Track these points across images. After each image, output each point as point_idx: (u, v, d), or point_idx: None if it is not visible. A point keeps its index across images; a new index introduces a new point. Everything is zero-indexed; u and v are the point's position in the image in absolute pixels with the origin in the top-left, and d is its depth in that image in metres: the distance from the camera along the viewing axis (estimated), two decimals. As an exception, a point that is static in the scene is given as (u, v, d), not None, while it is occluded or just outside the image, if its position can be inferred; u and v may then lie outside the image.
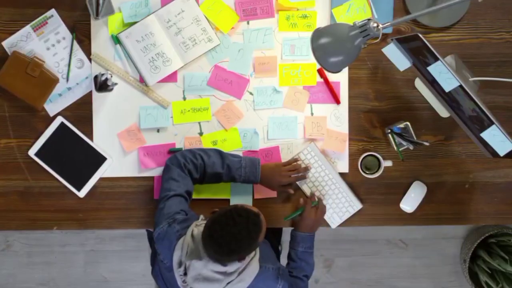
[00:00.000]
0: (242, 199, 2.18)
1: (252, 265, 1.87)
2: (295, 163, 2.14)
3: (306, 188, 2.20)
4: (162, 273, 1.95)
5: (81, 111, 2.19)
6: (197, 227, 1.89)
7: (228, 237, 1.73)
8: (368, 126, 2.21)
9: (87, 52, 2.18)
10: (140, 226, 2.21)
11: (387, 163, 2.17)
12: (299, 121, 2.20)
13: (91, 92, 2.19)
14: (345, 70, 2.18)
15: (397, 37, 1.87)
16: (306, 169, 2.15)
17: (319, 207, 2.13)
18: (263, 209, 2.18)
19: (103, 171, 2.20)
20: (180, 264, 1.86)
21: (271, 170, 2.10)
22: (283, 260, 2.25)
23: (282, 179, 2.10)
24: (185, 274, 1.84)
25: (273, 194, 2.20)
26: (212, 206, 2.18)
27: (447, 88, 1.88)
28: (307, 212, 2.11)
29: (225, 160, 2.06)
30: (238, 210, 1.76)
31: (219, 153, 2.07)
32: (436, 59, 1.85)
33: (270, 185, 2.11)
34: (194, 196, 2.17)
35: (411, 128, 2.14)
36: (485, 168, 2.22)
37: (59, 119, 2.18)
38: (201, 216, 1.98)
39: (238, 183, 2.17)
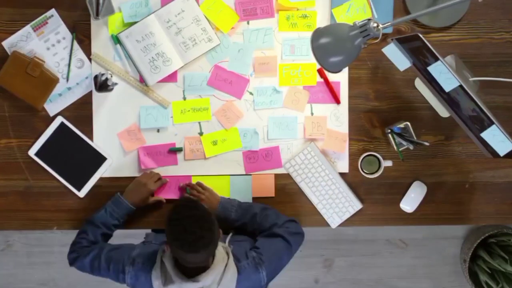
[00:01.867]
0: (242, 197, 2.18)
1: (229, 271, 1.86)
2: (151, 172, 2.17)
3: (306, 188, 2.20)
4: None
5: (81, 111, 2.19)
6: (164, 253, 1.89)
7: (188, 220, 1.73)
8: (368, 126, 2.21)
9: (87, 52, 2.18)
10: (140, 226, 2.21)
11: (387, 163, 2.17)
12: (299, 121, 2.20)
13: (91, 92, 2.19)
14: (345, 70, 2.18)
15: (397, 37, 1.87)
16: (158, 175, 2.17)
17: (201, 194, 2.13)
18: (263, 209, 2.19)
19: (103, 171, 2.20)
20: None
21: (135, 188, 2.13)
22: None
23: (150, 187, 2.12)
24: None
25: (271, 193, 2.20)
26: (212, 206, 2.19)
27: (447, 88, 1.88)
28: (196, 196, 2.12)
29: (95, 222, 2.08)
30: (183, 201, 1.80)
31: (88, 221, 2.09)
32: (436, 59, 1.85)
33: (143, 200, 2.12)
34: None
35: (411, 128, 2.14)
36: (485, 168, 2.22)
37: (59, 119, 2.18)
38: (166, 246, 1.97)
39: (237, 182, 2.17)
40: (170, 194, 2.19)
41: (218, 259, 1.84)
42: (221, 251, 1.88)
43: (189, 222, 1.73)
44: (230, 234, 2.02)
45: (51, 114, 2.19)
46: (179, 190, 2.19)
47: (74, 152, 2.18)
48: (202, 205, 1.79)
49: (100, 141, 2.20)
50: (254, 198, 2.20)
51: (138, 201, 2.12)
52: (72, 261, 2.07)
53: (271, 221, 2.06)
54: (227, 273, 1.85)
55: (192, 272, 1.82)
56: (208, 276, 1.81)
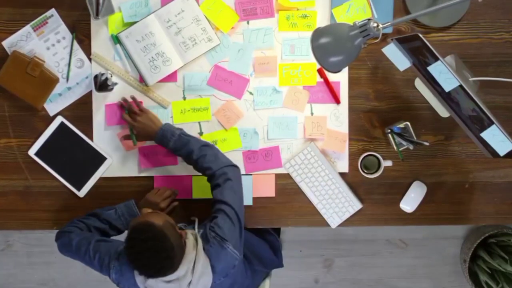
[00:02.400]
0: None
1: (201, 257, 1.85)
2: (161, 188, 2.16)
3: (306, 188, 2.20)
4: None
5: (81, 111, 2.19)
6: None
7: (146, 254, 1.74)
8: (368, 126, 2.21)
9: (87, 51, 2.18)
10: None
11: (387, 163, 2.17)
12: (299, 121, 2.20)
13: (91, 92, 2.19)
14: (345, 70, 2.18)
15: (397, 37, 1.87)
16: (172, 190, 2.16)
17: (137, 106, 2.12)
18: (262, 208, 2.19)
19: (103, 171, 2.20)
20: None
21: (147, 204, 2.11)
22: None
23: (161, 205, 2.10)
24: None
25: (272, 193, 2.20)
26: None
27: (447, 88, 1.88)
28: (131, 119, 2.10)
29: (102, 216, 2.08)
30: (134, 233, 1.77)
31: (94, 213, 2.10)
32: (436, 59, 1.85)
33: None
34: (195, 196, 2.18)
35: (411, 128, 2.14)
36: (485, 168, 2.22)
37: (59, 119, 2.18)
38: None
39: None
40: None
41: (189, 248, 1.84)
42: (191, 239, 1.87)
43: (146, 256, 1.74)
44: (196, 221, 2.01)
45: (51, 114, 2.19)
46: (119, 109, 2.16)
47: (74, 152, 2.18)
48: (156, 229, 1.76)
49: (100, 141, 2.20)
50: (254, 198, 2.20)
51: None
52: (59, 235, 2.05)
53: (206, 163, 2.01)
54: (199, 261, 1.84)
55: None
56: (180, 268, 1.81)
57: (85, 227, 2.06)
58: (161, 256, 1.75)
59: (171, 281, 1.82)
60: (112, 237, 2.08)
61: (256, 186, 2.19)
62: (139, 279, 1.87)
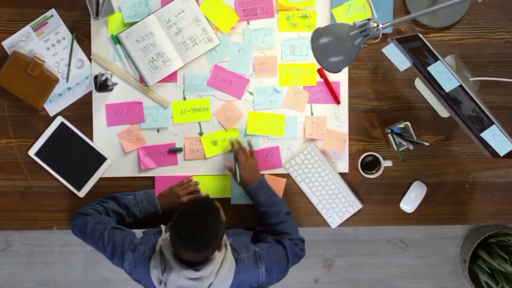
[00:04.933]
0: (242, 197, 2.18)
1: (227, 262, 1.87)
2: (186, 182, 2.17)
3: (306, 188, 2.20)
4: None
5: (81, 111, 2.19)
6: (164, 241, 1.90)
7: (196, 220, 1.75)
8: (368, 126, 2.21)
9: (87, 52, 2.18)
10: (140, 226, 2.21)
11: (387, 163, 2.17)
12: (299, 121, 2.20)
13: (91, 92, 2.19)
14: (345, 70, 2.18)
15: (397, 37, 1.87)
16: (197, 185, 2.18)
17: (249, 150, 2.15)
18: (263, 209, 2.19)
19: (103, 171, 2.20)
20: (160, 282, 1.87)
21: (168, 196, 2.13)
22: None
23: (182, 199, 2.12)
24: None
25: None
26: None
27: (447, 88, 1.88)
28: (243, 160, 2.11)
29: (121, 201, 2.09)
30: (193, 205, 1.80)
31: (113, 196, 2.11)
32: (436, 59, 1.85)
33: (172, 208, 2.11)
34: (194, 196, 2.19)
35: (411, 128, 2.14)
36: (485, 168, 2.22)
37: (59, 119, 2.18)
38: (162, 226, 1.99)
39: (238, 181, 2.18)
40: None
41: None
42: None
43: (196, 221, 1.75)
44: None
45: (51, 114, 2.19)
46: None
47: (74, 152, 2.18)
48: (219, 215, 1.79)
49: (100, 141, 2.20)
50: (254, 198, 2.20)
51: (167, 207, 2.12)
52: (76, 216, 2.06)
53: (286, 228, 2.07)
54: (225, 264, 1.86)
55: (191, 262, 1.82)
56: (207, 267, 1.82)
57: (104, 210, 2.07)
58: (206, 234, 1.75)
59: (194, 279, 1.82)
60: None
61: (256, 186, 2.19)
62: (154, 273, 1.87)
